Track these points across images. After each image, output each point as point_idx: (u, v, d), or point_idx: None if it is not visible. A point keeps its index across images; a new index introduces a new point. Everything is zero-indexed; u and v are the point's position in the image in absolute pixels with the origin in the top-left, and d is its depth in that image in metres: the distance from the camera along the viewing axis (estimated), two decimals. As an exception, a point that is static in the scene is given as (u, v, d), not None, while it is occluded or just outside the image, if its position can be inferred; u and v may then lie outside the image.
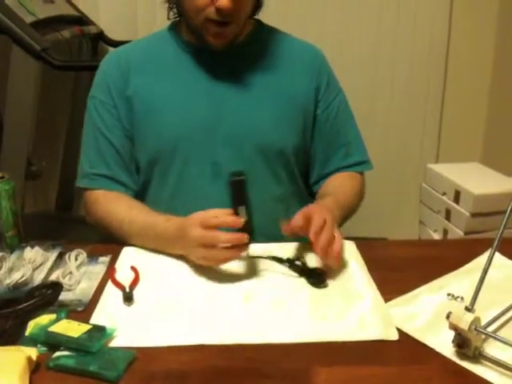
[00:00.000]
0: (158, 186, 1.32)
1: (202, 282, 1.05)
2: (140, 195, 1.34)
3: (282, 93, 1.30)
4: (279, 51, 1.33)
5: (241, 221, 1.02)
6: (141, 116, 1.29)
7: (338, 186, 1.33)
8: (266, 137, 1.28)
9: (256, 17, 1.35)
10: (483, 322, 0.83)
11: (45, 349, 0.85)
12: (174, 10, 1.30)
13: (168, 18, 1.33)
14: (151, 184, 1.33)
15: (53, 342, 0.85)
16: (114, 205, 1.26)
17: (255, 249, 1.09)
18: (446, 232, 2.19)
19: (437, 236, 2.26)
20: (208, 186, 1.27)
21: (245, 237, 1.01)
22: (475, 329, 0.80)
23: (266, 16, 1.36)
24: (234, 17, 1.18)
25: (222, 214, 1.04)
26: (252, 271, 1.09)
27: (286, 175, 1.34)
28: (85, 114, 1.35)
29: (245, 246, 1.03)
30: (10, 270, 1.07)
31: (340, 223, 1.22)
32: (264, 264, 1.11)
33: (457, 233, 2.10)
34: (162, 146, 1.28)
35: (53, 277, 1.06)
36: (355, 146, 1.40)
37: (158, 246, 1.16)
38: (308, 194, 1.42)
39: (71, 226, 2.25)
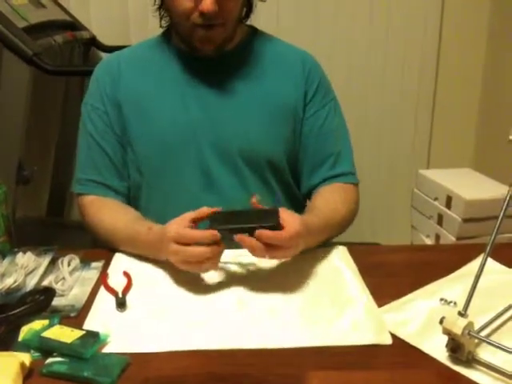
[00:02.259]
0: (150, 192, 1.32)
1: (195, 287, 1.05)
2: (133, 201, 1.34)
3: (270, 100, 1.29)
4: (270, 58, 1.33)
5: (216, 236, 1.00)
6: (131, 121, 1.29)
7: (325, 203, 1.26)
8: (252, 144, 1.28)
9: (250, 23, 1.35)
10: (476, 327, 0.84)
11: (38, 354, 0.85)
12: (166, 18, 1.31)
13: (160, 26, 1.33)
14: (142, 190, 1.33)
15: (46, 348, 0.85)
16: (103, 212, 1.26)
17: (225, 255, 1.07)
18: (438, 237, 2.20)
19: (429, 241, 2.26)
20: (200, 194, 1.27)
21: (218, 249, 1.01)
22: (468, 333, 0.80)
23: (258, 21, 1.36)
24: (219, 19, 1.17)
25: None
26: (245, 278, 1.09)
27: (277, 184, 1.33)
28: (76, 119, 1.35)
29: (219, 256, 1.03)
30: (2, 276, 1.07)
31: (321, 240, 1.19)
32: (257, 271, 1.11)
33: (449, 238, 2.11)
34: (152, 151, 1.28)
35: (45, 282, 1.06)
36: (343, 157, 1.34)
37: (144, 253, 1.16)
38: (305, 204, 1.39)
39: (63, 232, 2.24)
